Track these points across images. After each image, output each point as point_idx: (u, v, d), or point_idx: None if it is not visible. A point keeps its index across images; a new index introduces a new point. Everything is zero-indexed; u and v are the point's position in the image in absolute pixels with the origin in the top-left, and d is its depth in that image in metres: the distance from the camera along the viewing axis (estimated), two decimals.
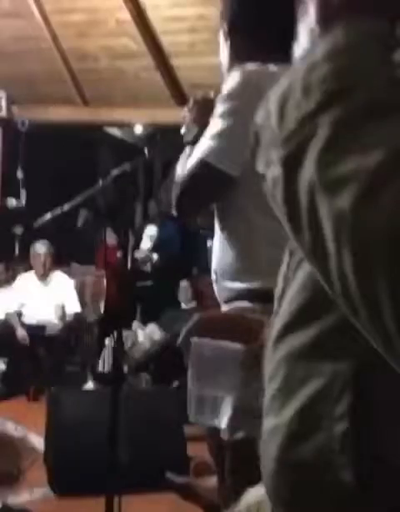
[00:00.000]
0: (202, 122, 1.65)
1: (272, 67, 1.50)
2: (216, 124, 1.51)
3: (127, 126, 7.02)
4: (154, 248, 6.84)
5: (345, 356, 0.53)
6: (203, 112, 1.67)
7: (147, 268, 6.76)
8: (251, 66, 1.52)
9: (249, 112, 1.35)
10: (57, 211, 2.49)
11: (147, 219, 7.16)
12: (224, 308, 1.58)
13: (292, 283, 0.60)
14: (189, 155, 1.62)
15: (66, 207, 2.46)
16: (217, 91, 1.67)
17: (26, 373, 5.07)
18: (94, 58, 5.20)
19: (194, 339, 0.98)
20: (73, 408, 3.39)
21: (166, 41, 4.93)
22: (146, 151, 2.18)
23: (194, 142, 1.64)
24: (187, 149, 1.66)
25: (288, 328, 0.59)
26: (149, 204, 7.12)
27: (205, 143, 1.53)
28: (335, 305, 0.46)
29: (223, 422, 0.96)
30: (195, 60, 4.87)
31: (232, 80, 1.50)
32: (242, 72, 1.49)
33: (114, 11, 4.73)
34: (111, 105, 5.55)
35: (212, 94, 1.69)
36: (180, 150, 1.81)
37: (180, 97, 5.26)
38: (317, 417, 0.54)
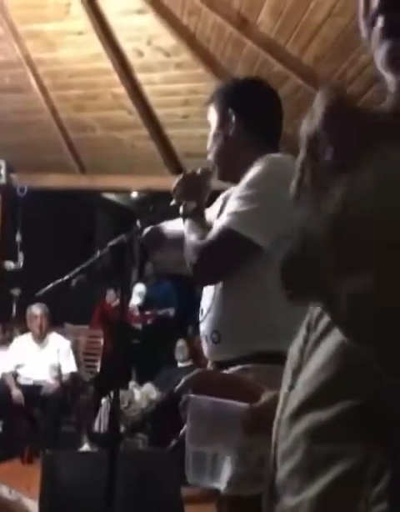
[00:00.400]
0: (187, 197, 1.73)
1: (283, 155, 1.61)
2: (240, 205, 1.55)
3: (122, 192, 7.23)
4: (147, 307, 6.95)
5: (379, 436, 0.50)
6: (190, 187, 1.74)
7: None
8: (274, 155, 1.60)
9: (272, 198, 1.51)
10: (58, 280, 2.55)
11: (142, 279, 7.28)
12: (225, 370, 1.54)
13: (313, 357, 0.58)
14: (192, 227, 1.66)
15: (66, 276, 2.52)
16: (206, 167, 1.78)
17: (21, 435, 5.06)
18: (91, 129, 5.39)
19: (192, 396, 0.93)
20: (68, 471, 3.36)
21: (160, 113, 5.14)
22: (138, 223, 2.28)
23: (192, 215, 1.70)
24: (187, 222, 1.69)
25: (308, 404, 0.56)
26: (145, 265, 7.26)
27: (230, 217, 1.55)
28: (368, 382, 0.46)
29: (223, 483, 0.90)
30: (188, 131, 5.06)
31: (257, 168, 1.56)
32: (266, 162, 1.57)
33: (110, 86, 4.95)
34: (107, 172, 5.71)
35: (199, 171, 1.77)
36: (174, 216, 1.87)
37: (174, 166, 5.45)
38: (348, 498, 0.51)
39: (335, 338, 0.55)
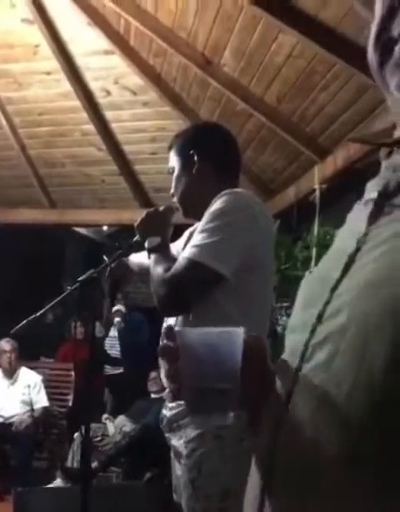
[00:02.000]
0: (152, 232, 1.79)
1: (242, 190, 1.72)
2: (203, 237, 1.60)
3: (93, 226, 7.28)
4: (121, 338, 6.94)
5: None
6: (153, 223, 1.82)
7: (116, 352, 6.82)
8: (235, 190, 1.70)
9: (234, 229, 1.59)
10: (31, 317, 2.55)
11: (113, 312, 7.28)
12: None
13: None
14: (157, 261, 1.70)
15: (38, 312, 2.54)
16: (168, 204, 1.87)
17: None
18: (61, 164, 5.47)
19: (179, 329, 0.86)
20: (41, 507, 3.30)
21: (129, 149, 5.24)
22: (105, 257, 2.32)
23: (157, 249, 1.75)
24: (153, 256, 1.74)
25: None
26: (116, 297, 7.27)
27: (194, 249, 1.60)
28: None
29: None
30: (156, 166, 5.17)
31: (219, 202, 1.64)
32: (234, 194, 1.67)
33: (79, 123, 5.04)
34: (77, 207, 5.78)
35: (161, 208, 1.86)
36: (140, 250, 1.95)
37: (143, 200, 5.56)
38: None
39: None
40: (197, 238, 1.62)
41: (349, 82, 3.40)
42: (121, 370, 6.83)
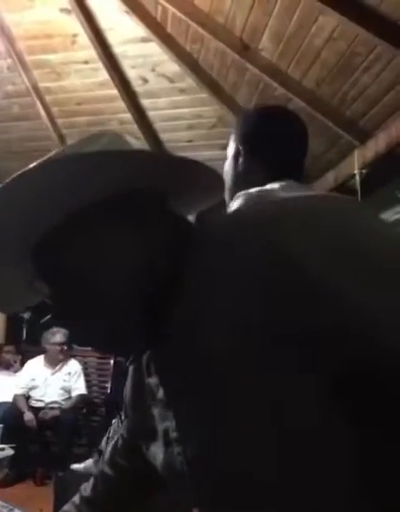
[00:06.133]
0: None
1: (273, 186, 1.54)
2: None
3: None
4: None
5: None
6: None
7: None
8: (252, 191, 1.53)
9: None
10: None
11: None
12: None
13: None
14: None
15: None
16: None
17: (33, 458, 5.10)
18: None
19: None
20: None
21: (165, 137, 5.26)
22: None
23: None
24: None
25: None
26: None
27: None
28: None
29: None
30: (193, 154, 5.12)
31: (236, 205, 1.51)
32: (245, 196, 1.52)
33: (117, 112, 5.06)
34: None
35: None
36: None
37: None
38: None
39: None
40: None
41: (391, 63, 3.34)
42: None
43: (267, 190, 1.54)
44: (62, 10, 4.35)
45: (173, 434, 0.77)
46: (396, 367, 0.58)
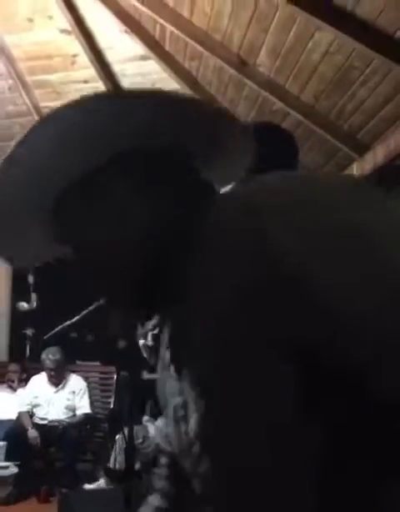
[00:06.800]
0: None
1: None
2: None
3: None
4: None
5: None
6: None
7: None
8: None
9: None
10: (65, 324, 2.53)
11: None
12: None
13: None
14: None
15: (73, 319, 2.52)
16: None
17: (37, 475, 5.06)
18: None
19: None
20: (85, 509, 3.36)
21: None
22: None
23: None
24: None
25: None
26: None
27: None
28: None
29: None
30: None
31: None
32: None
33: None
34: None
35: None
36: None
37: None
38: None
39: None
40: None
41: (388, 77, 3.39)
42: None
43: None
44: (62, 31, 4.43)
45: (181, 412, 0.76)
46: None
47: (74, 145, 0.71)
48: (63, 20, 4.36)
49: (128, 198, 0.74)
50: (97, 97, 0.71)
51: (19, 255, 0.89)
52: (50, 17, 4.41)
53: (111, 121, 0.70)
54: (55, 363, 5.43)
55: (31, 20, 4.42)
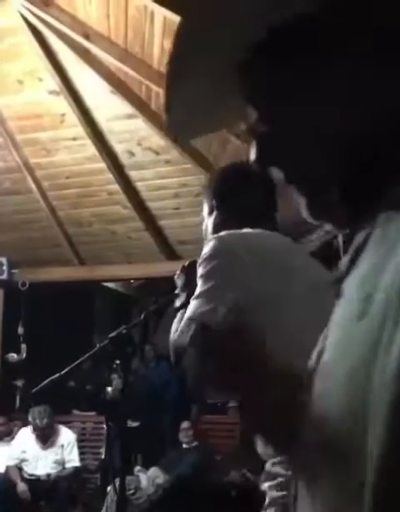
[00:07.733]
0: (190, 287, 1.69)
1: (244, 230, 1.59)
2: (199, 286, 1.55)
3: (121, 280, 7.45)
4: (151, 394, 6.86)
5: None
6: (190, 277, 1.71)
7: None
8: (224, 232, 1.59)
9: (226, 270, 1.57)
10: (54, 376, 2.55)
11: (143, 362, 7.34)
12: None
13: None
14: (180, 320, 1.62)
15: (64, 370, 2.55)
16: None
17: None
18: (88, 224, 5.67)
19: None
20: None
21: (153, 206, 5.42)
22: (142, 316, 2.37)
23: (182, 307, 1.70)
24: (178, 314, 1.69)
25: None
26: (145, 348, 7.34)
27: (191, 302, 1.55)
28: None
29: None
30: (180, 220, 5.34)
31: (208, 246, 1.55)
32: (217, 238, 1.56)
33: (105, 184, 5.25)
34: (105, 263, 5.94)
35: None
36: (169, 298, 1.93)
37: (169, 253, 5.70)
38: None
39: None
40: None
41: None
42: (138, 424, 6.63)
43: (231, 233, 1.60)
44: (51, 92, 4.61)
45: None
46: None
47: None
48: (52, 82, 4.54)
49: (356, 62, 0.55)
50: None
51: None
52: (40, 79, 4.59)
53: None
54: (43, 425, 5.34)
55: (21, 82, 4.60)
